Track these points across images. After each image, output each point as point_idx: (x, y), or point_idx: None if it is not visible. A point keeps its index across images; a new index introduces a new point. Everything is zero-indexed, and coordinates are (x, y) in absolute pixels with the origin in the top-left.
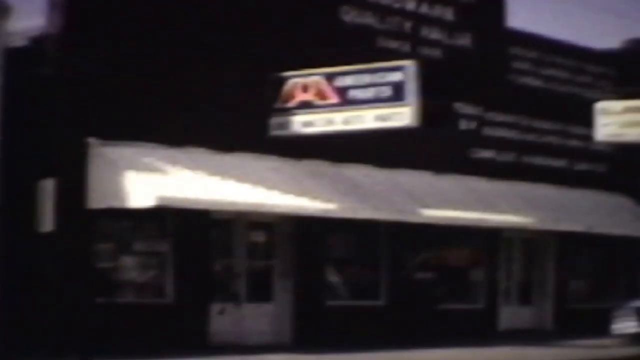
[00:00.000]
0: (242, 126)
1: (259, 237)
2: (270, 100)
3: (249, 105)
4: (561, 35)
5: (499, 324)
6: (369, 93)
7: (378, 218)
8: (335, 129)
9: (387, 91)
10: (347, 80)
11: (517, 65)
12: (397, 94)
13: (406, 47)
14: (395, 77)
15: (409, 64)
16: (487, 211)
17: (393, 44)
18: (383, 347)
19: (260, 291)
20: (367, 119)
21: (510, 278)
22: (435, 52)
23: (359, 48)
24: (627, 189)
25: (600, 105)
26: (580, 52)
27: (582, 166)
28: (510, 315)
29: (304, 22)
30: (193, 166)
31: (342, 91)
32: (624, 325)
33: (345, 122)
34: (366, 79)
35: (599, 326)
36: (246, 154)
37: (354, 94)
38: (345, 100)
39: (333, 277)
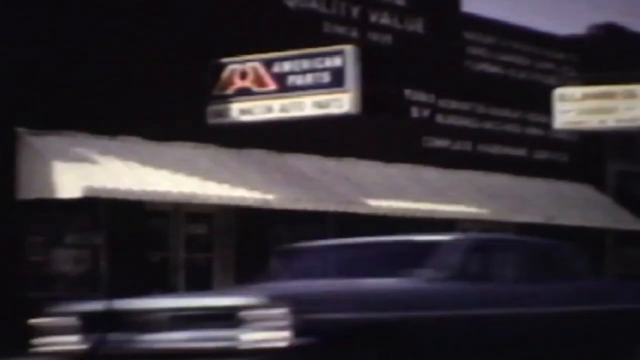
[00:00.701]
0: (179, 114)
1: (198, 229)
2: (208, 87)
3: (186, 93)
4: (525, 21)
5: None
6: (308, 79)
7: (320, 209)
8: (273, 117)
9: (326, 77)
10: (286, 66)
11: (473, 51)
12: (336, 80)
13: (354, 33)
14: (335, 62)
15: (349, 48)
16: (440, 202)
17: (340, 30)
18: None
19: (200, 285)
20: (305, 106)
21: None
22: (386, 38)
23: (304, 34)
24: (592, 179)
25: (558, 92)
26: (541, 37)
27: (542, 155)
28: None
29: (246, 7)
30: (126, 156)
31: (280, 77)
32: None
33: (284, 109)
34: (305, 64)
35: None
36: (183, 143)
37: (292, 80)
38: (284, 87)
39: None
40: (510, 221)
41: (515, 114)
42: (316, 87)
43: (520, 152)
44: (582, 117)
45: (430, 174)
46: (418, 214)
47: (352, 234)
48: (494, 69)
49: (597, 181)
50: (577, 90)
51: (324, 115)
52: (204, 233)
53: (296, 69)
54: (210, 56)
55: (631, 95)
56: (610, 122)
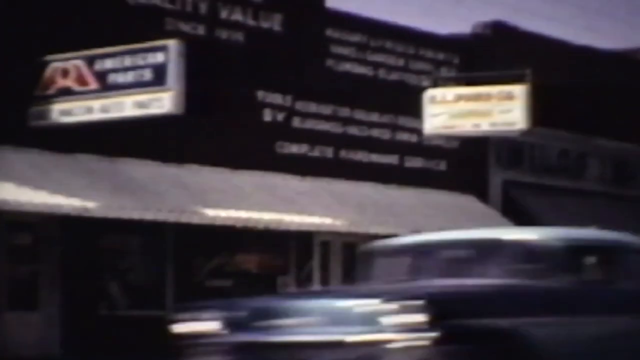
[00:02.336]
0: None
1: (22, 239)
2: (30, 87)
3: (8, 93)
4: (406, 20)
5: None
6: (129, 77)
7: (148, 218)
8: (94, 118)
9: (147, 75)
10: (107, 64)
11: (338, 50)
12: (158, 78)
13: (200, 30)
14: (157, 58)
15: (172, 43)
16: (291, 212)
17: (185, 27)
18: None
19: (24, 299)
20: (126, 106)
21: (327, 286)
22: (236, 36)
23: (145, 31)
24: (474, 188)
25: (428, 94)
26: (417, 36)
27: (417, 163)
28: None
29: (82, 2)
30: None
31: (102, 76)
32: None
33: (104, 110)
34: (127, 61)
35: None
36: (3, 147)
37: (114, 78)
38: (105, 86)
39: (110, 284)
40: (371, 233)
41: (385, 118)
42: (137, 85)
43: (391, 159)
44: (454, 121)
45: (285, 182)
46: (264, 225)
47: (194, 245)
48: (361, 70)
49: (480, 191)
50: (449, 92)
51: (145, 116)
52: (28, 243)
53: (118, 66)
54: (35, 54)
55: (508, 97)
56: (484, 126)
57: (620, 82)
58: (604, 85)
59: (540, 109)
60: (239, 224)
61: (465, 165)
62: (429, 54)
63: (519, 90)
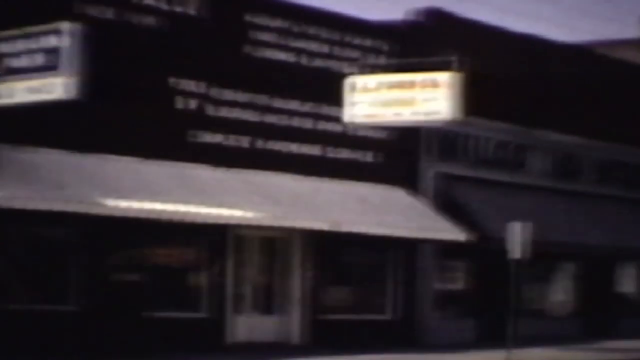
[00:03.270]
0: None
1: None
2: None
3: None
4: (336, 5)
5: (229, 336)
6: (23, 62)
7: (43, 208)
8: None
9: (41, 59)
10: (2, 48)
11: (258, 35)
12: (51, 62)
13: (110, 15)
14: (51, 42)
15: (66, 26)
16: (204, 204)
17: (93, 11)
18: (73, 358)
19: None
20: (19, 92)
21: (243, 282)
22: (148, 20)
23: (53, 15)
24: (405, 181)
25: (349, 81)
26: (345, 23)
27: (341, 154)
28: (244, 326)
29: None
30: None
31: None
32: None
33: None
34: (20, 45)
35: (359, 340)
36: None
37: (8, 62)
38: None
39: (8, 277)
40: (288, 227)
41: (307, 107)
42: (31, 70)
43: (313, 149)
44: (375, 109)
45: (198, 172)
46: (174, 217)
47: (101, 238)
48: (281, 56)
49: (410, 184)
50: (371, 80)
51: (38, 102)
52: None
53: (12, 50)
54: None
55: (432, 85)
56: (406, 115)
57: (568, 73)
58: (548, 76)
59: (477, 98)
60: (148, 216)
61: (395, 156)
62: (357, 40)
63: (445, 78)
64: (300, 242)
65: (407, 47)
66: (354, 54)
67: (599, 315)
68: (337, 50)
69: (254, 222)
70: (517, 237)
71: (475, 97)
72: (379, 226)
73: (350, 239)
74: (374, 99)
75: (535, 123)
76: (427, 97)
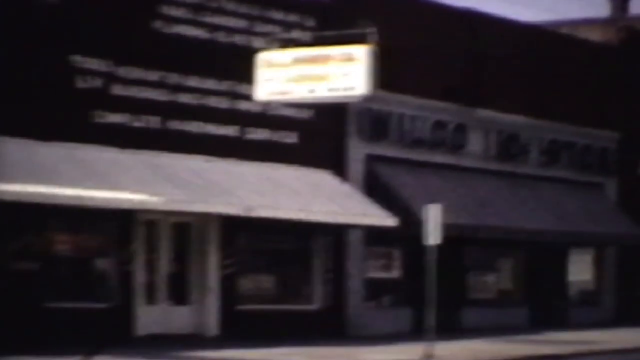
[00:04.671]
0: None
1: None
2: None
3: None
4: None
5: (138, 328)
6: None
7: None
8: None
9: None
10: None
11: (168, 11)
12: None
13: None
14: None
15: None
16: (106, 188)
17: None
18: None
19: None
20: None
21: (155, 271)
22: None
23: None
24: (331, 164)
25: (263, 57)
26: None
27: (261, 134)
28: (155, 317)
29: None
30: None
31: None
32: None
33: None
34: None
35: (282, 331)
36: None
37: None
38: None
39: None
40: (196, 212)
41: (224, 85)
42: None
43: (230, 130)
44: (288, 85)
45: (99, 154)
46: (74, 202)
47: None
48: (195, 32)
49: (338, 167)
50: (287, 55)
51: None
52: None
53: None
54: None
55: (348, 59)
56: (321, 91)
57: (512, 51)
58: (486, 53)
59: (409, 75)
60: (43, 201)
61: (321, 137)
62: (277, 15)
63: (361, 52)
64: (216, 228)
65: (328, 21)
66: (274, 29)
67: (547, 305)
68: (257, 26)
69: (158, 207)
70: (432, 221)
71: (405, 74)
72: (299, 211)
73: (272, 224)
74: (288, 75)
75: (475, 102)
76: (342, 72)
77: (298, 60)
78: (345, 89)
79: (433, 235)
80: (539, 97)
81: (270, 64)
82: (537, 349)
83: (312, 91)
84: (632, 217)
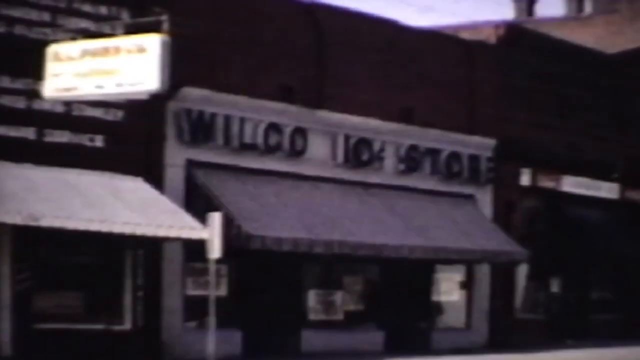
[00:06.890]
0: None
1: None
2: None
3: None
4: None
5: None
6: None
7: None
8: None
9: None
10: None
11: None
12: None
13: None
14: None
15: None
16: None
17: None
18: None
19: None
20: None
21: None
22: None
23: None
24: (146, 169)
25: (52, 49)
26: None
27: (63, 137)
28: None
29: None
30: None
31: None
32: None
33: None
34: None
35: (88, 353)
36: None
37: None
38: None
39: None
40: None
41: (20, 84)
42: None
43: (25, 132)
44: (76, 81)
45: None
46: None
47: None
48: None
49: (152, 173)
50: (76, 47)
51: None
52: None
53: None
54: None
55: (138, 50)
56: (109, 87)
57: (366, 48)
58: (339, 49)
59: (239, 73)
60: None
61: (132, 141)
62: (86, 8)
63: (153, 42)
64: (8, 240)
65: (145, 14)
66: (86, 24)
67: (408, 328)
68: (60, 19)
69: None
70: (215, 231)
71: (234, 71)
72: (100, 222)
73: (70, 236)
74: (76, 69)
75: (318, 103)
76: (133, 65)
77: (87, 53)
78: (133, 84)
79: (217, 248)
80: (398, 99)
81: (58, 58)
82: None
83: (99, 87)
84: (510, 232)
